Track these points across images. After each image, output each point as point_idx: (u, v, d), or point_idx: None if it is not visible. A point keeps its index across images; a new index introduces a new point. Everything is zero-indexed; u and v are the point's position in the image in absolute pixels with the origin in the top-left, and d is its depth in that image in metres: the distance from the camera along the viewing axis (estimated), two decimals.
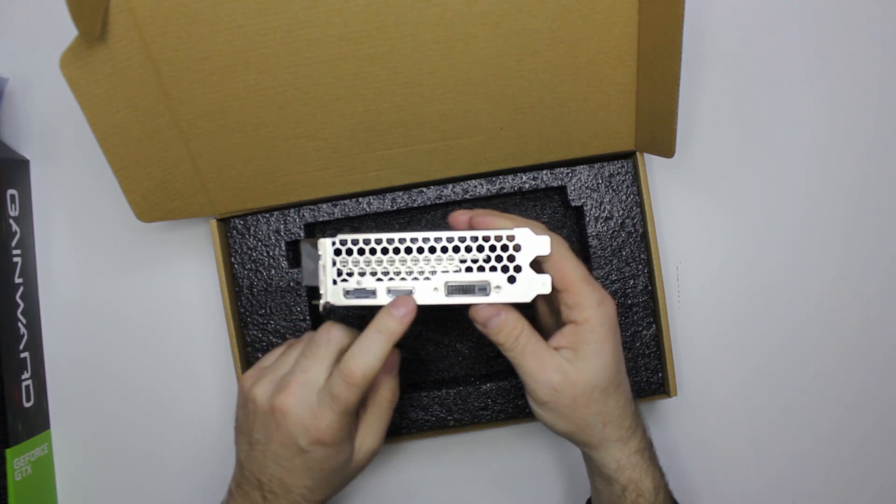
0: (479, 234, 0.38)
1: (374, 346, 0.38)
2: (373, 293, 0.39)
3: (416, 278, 0.39)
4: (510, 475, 0.52)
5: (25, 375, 0.51)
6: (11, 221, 0.51)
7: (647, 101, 0.45)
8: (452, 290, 0.39)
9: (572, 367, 0.38)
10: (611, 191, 0.49)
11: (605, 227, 0.49)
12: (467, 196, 0.49)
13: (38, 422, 0.52)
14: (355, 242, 0.39)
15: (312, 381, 0.39)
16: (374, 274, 0.39)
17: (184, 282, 0.53)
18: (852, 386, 0.52)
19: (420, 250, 0.39)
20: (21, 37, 0.54)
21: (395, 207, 0.49)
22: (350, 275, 0.39)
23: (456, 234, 0.39)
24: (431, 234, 0.39)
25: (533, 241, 0.38)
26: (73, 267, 0.54)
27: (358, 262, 0.39)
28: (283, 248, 0.49)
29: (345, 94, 0.44)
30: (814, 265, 0.53)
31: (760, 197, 0.53)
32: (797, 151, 0.53)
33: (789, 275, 0.53)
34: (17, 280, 0.51)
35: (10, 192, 0.52)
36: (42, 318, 0.53)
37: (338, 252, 0.39)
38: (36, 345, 0.52)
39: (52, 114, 0.54)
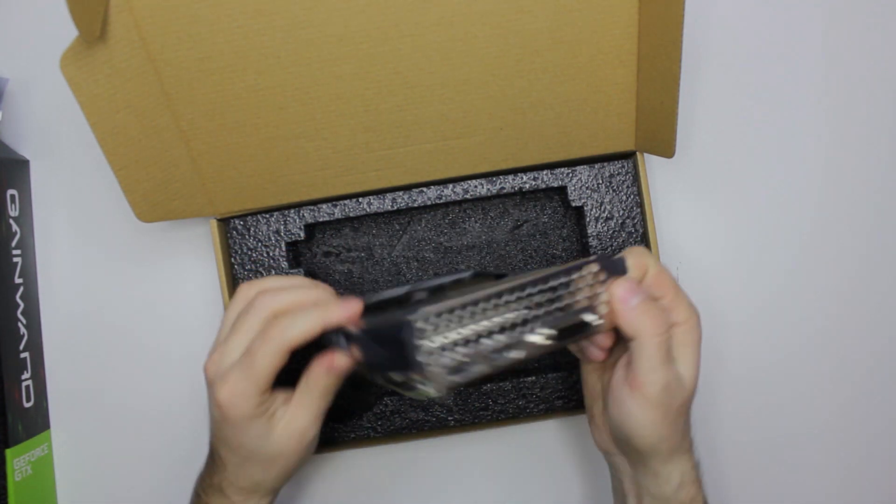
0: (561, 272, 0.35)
1: (306, 319, 0.35)
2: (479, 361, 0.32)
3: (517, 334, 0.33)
4: (511, 475, 0.52)
5: (25, 375, 0.51)
6: (11, 221, 0.51)
7: (647, 101, 0.45)
8: (563, 334, 0.35)
9: (683, 370, 0.36)
10: (611, 191, 0.49)
11: (605, 228, 0.49)
12: (467, 196, 0.49)
13: (38, 422, 0.52)
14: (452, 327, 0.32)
15: (233, 348, 0.38)
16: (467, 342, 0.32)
17: (184, 282, 0.53)
18: (855, 385, 0.52)
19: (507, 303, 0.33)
20: (21, 37, 0.54)
21: (395, 207, 0.49)
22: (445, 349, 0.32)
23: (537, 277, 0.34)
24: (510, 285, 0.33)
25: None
26: (73, 267, 0.54)
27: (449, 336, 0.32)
28: (283, 249, 0.49)
29: (345, 94, 0.44)
30: (814, 265, 0.53)
31: (761, 197, 0.53)
32: (797, 151, 0.53)
33: (790, 274, 0.52)
34: (17, 280, 0.51)
35: (10, 192, 0.52)
36: (42, 318, 0.53)
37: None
38: (36, 345, 0.52)
39: (52, 114, 0.54)
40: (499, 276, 0.39)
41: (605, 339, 0.38)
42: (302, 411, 0.38)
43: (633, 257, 0.37)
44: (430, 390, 0.32)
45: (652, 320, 0.35)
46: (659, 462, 0.37)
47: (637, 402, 0.35)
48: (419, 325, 0.31)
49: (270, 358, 0.36)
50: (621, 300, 0.35)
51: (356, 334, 0.34)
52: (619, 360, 0.38)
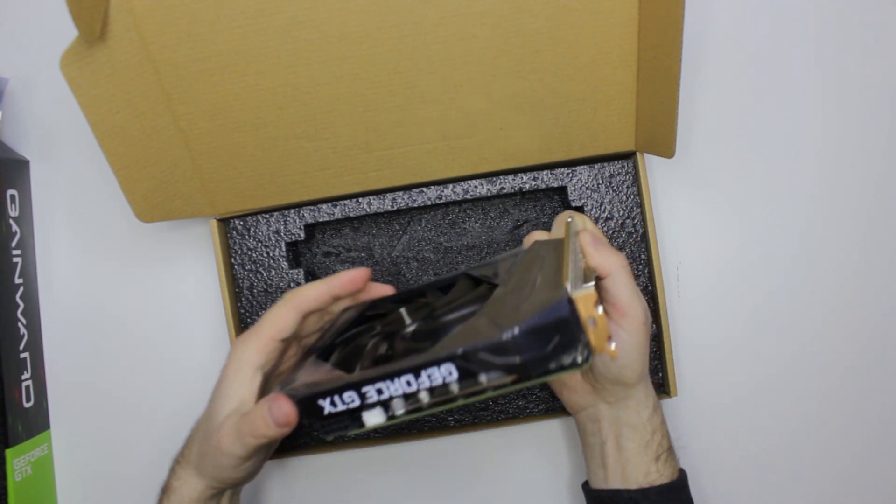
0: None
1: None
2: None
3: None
4: (511, 475, 0.52)
5: (25, 375, 0.51)
6: (11, 221, 0.51)
7: (647, 101, 0.45)
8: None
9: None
10: (611, 191, 0.49)
11: (605, 228, 0.49)
12: (467, 196, 0.49)
13: (38, 422, 0.52)
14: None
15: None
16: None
17: (184, 282, 0.53)
18: (854, 385, 0.52)
19: None
20: (21, 37, 0.54)
21: (395, 207, 0.49)
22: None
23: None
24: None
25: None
26: (73, 267, 0.54)
27: None
28: (283, 249, 0.49)
29: (345, 94, 0.44)
30: (814, 265, 0.53)
31: (760, 196, 0.53)
32: (797, 151, 0.53)
33: (789, 274, 0.52)
34: (17, 280, 0.51)
35: (10, 192, 0.52)
36: (42, 318, 0.53)
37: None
38: (36, 345, 0.52)
39: (52, 114, 0.54)
40: (480, 279, 0.41)
41: None
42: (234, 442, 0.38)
43: (576, 218, 0.44)
44: (582, 360, 0.31)
45: (616, 256, 0.40)
46: (641, 388, 0.42)
47: (627, 329, 0.39)
48: (571, 293, 0.31)
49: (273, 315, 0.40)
50: (593, 246, 0.40)
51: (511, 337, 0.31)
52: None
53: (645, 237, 0.48)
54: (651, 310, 0.48)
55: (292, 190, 0.48)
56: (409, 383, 0.32)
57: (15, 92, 0.54)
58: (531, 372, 0.31)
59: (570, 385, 0.44)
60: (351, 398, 0.33)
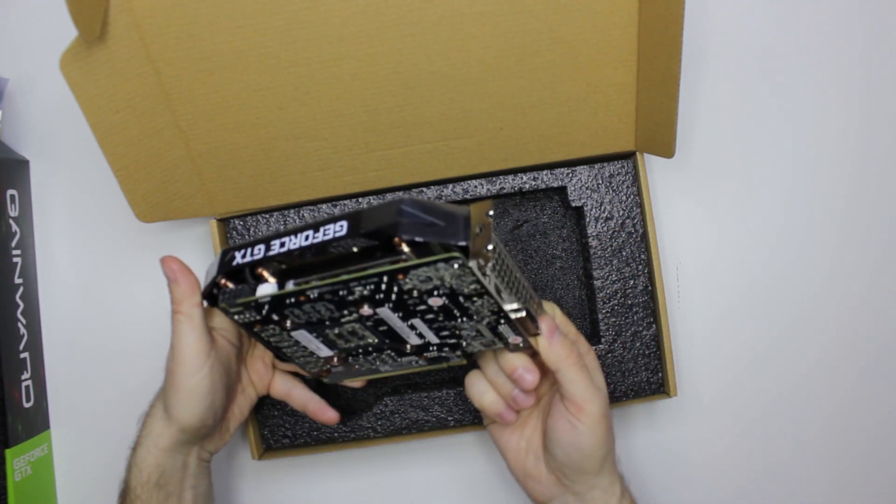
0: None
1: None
2: None
3: None
4: (510, 475, 0.52)
5: (25, 375, 0.51)
6: (11, 221, 0.51)
7: (647, 101, 0.45)
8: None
9: (600, 386, 0.41)
10: (611, 191, 0.49)
11: (605, 228, 0.49)
12: (467, 196, 0.49)
13: (38, 422, 0.52)
14: None
15: None
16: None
17: None
18: (853, 386, 0.52)
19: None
20: (21, 37, 0.54)
21: None
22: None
23: None
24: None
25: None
26: (73, 267, 0.54)
27: None
28: None
29: (345, 94, 0.44)
30: (814, 265, 0.53)
31: (760, 197, 0.53)
32: (797, 151, 0.53)
33: (789, 274, 0.53)
34: (17, 280, 0.51)
35: (10, 192, 0.52)
36: (42, 319, 0.53)
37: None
38: (36, 345, 0.52)
39: (52, 114, 0.54)
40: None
41: (527, 400, 0.41)
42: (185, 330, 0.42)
43: (547, 306, 0.42)
44: (454, 253, 0.33)
45: (568, 350, 0.39)
46: (607, 474, 0.41)
47: (586, 423, 0.39)
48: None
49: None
50: (547, 335, 0.39)
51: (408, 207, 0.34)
52: (549, 406, 0.42)
53: (645, 237, 0.48)
54: (651, 310, 0.49)
55: (292, 190, 0.48)
56: (307, 237, 0.35)
57: (15, 92, 0.54)
58: (403, 232, 0.33)
59: (535, 476, 0.43)
60: (259, 250, 0.37)
